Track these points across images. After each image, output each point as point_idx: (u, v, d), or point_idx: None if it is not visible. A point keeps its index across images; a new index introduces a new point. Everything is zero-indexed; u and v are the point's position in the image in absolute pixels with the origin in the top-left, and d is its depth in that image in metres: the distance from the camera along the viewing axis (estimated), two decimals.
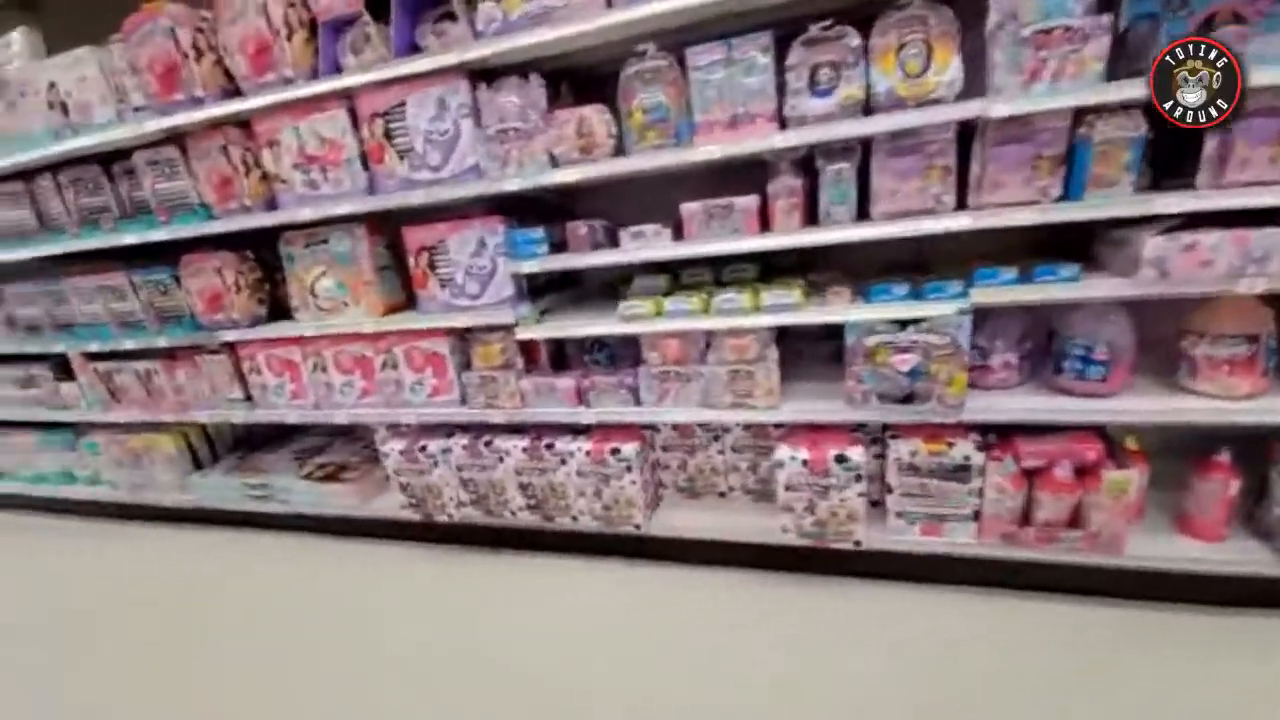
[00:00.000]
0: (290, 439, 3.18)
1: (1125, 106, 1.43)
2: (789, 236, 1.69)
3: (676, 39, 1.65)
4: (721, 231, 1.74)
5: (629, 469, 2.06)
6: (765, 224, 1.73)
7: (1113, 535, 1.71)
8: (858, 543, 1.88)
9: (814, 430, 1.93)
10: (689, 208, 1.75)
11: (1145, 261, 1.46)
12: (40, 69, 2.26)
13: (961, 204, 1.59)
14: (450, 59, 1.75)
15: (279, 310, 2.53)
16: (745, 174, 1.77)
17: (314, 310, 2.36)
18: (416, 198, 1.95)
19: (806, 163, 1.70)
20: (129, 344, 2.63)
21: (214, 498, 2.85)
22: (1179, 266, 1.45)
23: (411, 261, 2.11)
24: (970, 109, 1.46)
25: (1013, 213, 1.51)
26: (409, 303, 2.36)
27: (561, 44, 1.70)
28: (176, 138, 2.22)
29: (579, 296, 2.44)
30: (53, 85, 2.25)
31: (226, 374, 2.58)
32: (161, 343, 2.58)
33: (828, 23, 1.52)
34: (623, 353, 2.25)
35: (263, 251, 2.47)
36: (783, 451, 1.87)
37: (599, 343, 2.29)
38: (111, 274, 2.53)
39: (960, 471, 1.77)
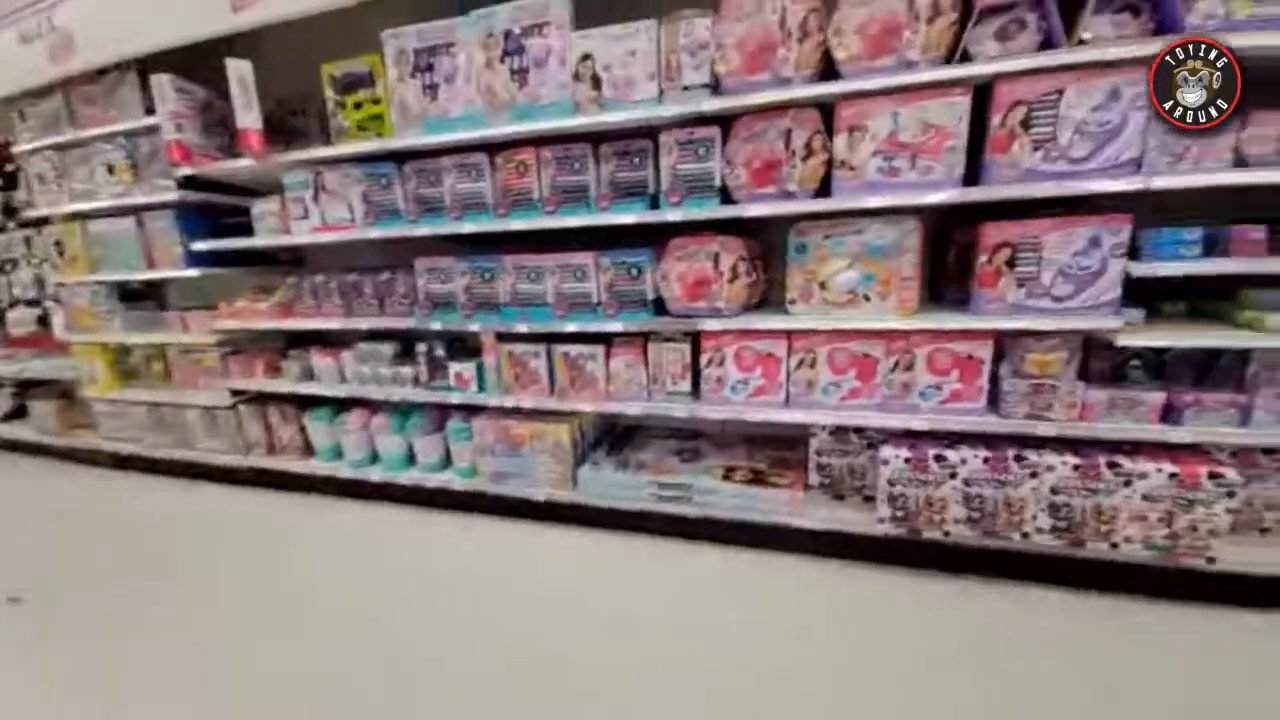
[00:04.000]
0: (633, 439, 3.05)
1: None
2: None
3: None
4: None
5: (1229, 494, 1.90)
6: None
7: None
8: None
9: None
10: None
11: None
12: (577, 39, 2.22)
13: None
14: (1158, 48, 1.68)
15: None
16: None
17: (819, 303, 2.26)
18: (1041, 189, 1.86)
19: None
20: (571, 327, 2.54)
21: (609, 495, 2.70)
22: None
23: (984, 258, 2.01)
24: None
25: None
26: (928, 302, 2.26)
27: None
28: (722, 119, 2.17)
29: None
30: (587, 57, 2.22)
31: (679, 364, 2.47)
32: (615, 327, 2.48)
33: None
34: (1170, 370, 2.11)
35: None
36: None
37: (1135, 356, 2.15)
38: (578, 254, 2.46)
39: None
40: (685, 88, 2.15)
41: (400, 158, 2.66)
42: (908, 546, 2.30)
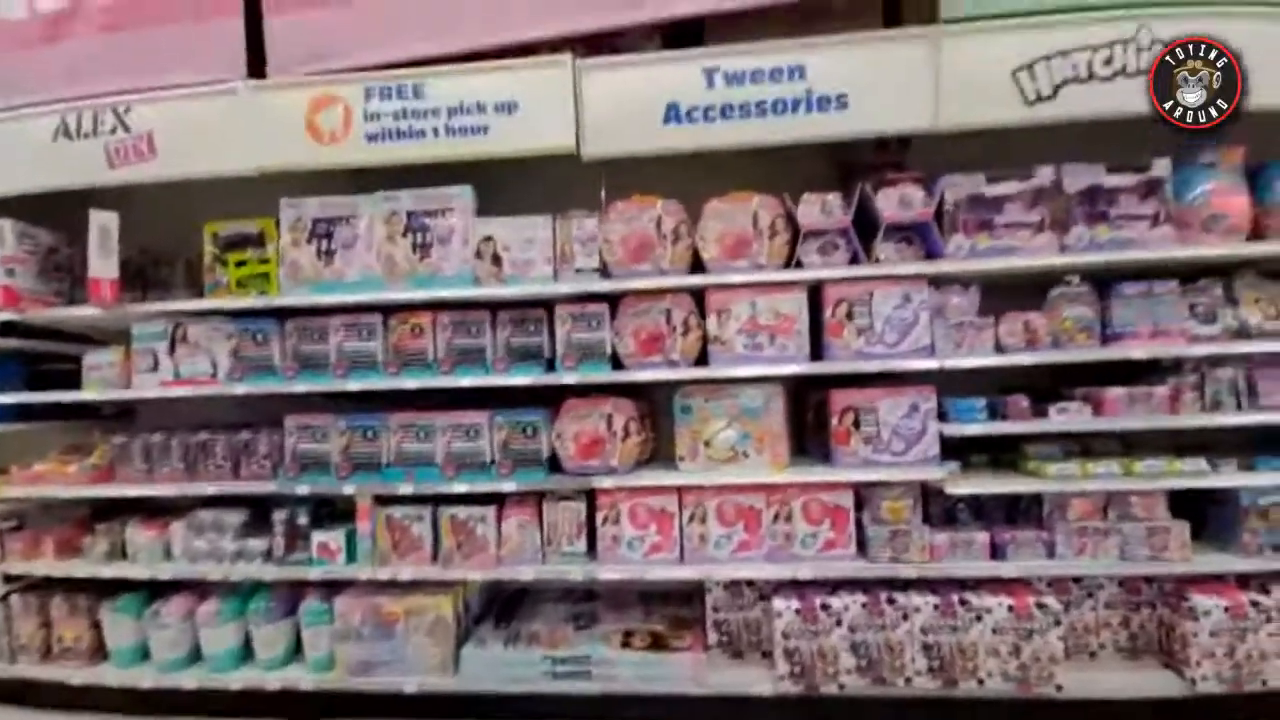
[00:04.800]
0: (522, 605, 2.83)
1: None
2: (1194, 419, 2.21)
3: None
4: (1140, 411, 2.22)
5: (1057, 623, 2.19)
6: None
7: None
8: (1265, 682, 2.11)
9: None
10: (1114, 391, 2.24)
11: None
12: (481, 224, 2.46)
13: None
14: (927, 269, 2.27)
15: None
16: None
17: (704, 460, 2.42)
18: (868, 367, 2.28)
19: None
20: (461, 487, 2.44)
21: (497, 676, 2.41)
22: None
23: (835, 420, 2.35)
24: None
25: None
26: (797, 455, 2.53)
27: (1013, 270, 2.28)
28: (610, 297, 2.44)
29: None
30: (489, 239, 2.44)
31: (575, 523, 2.44)
32: (509, 487, 2.42)
33: (1210, 280, 2.25)
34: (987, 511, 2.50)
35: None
36: (1204, 601, 2.15)
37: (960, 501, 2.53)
38: (471, 413, 2.45)
39: None
40: (578, 270, 2.43)
41: (283, 314, 2.58)
42: (809, 705, 2.28)
